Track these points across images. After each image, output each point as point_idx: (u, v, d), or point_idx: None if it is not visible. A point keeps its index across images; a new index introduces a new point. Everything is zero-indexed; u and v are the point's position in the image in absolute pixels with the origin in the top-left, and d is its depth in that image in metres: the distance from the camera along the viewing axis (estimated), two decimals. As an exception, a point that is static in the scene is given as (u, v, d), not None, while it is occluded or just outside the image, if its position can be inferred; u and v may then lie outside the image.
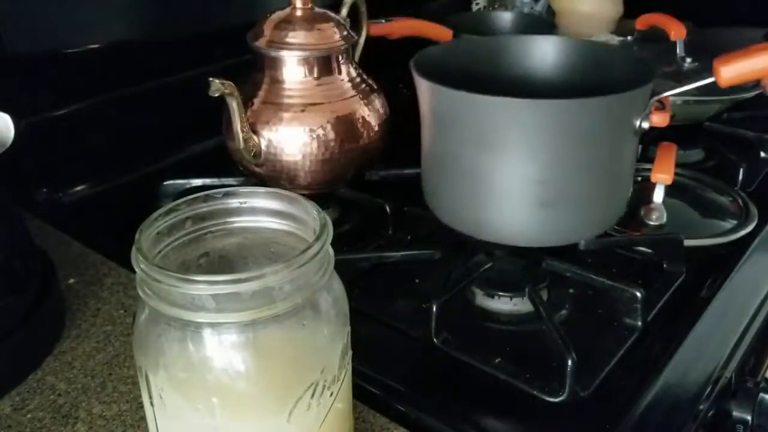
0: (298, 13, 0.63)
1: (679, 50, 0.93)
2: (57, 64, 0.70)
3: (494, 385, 0.48)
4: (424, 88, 0.51)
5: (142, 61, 0.77)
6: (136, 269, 0.30)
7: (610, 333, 0.53)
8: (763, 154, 0.82)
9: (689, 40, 0.94)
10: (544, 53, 0.59)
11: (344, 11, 0.70)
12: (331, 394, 0.33)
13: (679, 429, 0.48)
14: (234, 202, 0.35)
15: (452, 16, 1.01)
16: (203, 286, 0.28)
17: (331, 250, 0.32)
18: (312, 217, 0.32)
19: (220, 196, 0.34)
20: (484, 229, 0.52)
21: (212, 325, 0.29)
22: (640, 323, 0.54)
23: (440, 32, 0.94)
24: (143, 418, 0.44)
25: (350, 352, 0.35)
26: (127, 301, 0.55)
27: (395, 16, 0.89)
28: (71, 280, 0.57)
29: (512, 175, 0.49)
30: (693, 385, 0.51)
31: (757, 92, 0.84)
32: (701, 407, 0.51)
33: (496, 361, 0.50)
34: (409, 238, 0.63)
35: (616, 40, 1.13)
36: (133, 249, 0.30)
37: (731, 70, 0.51)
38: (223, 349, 0.29)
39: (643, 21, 1.00)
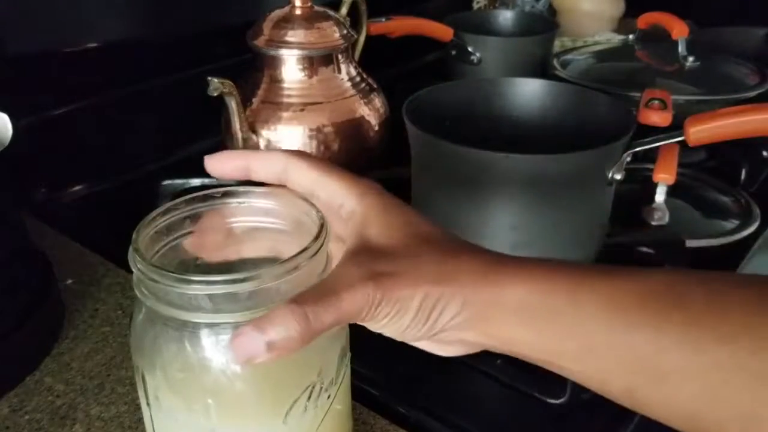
0: (298, 11, 0.62)
1: (681, 49, 0.92)
2: (57, 64, 0.70)
3: (495, 387, 0.48)
4: (408, 129, 0.53)
5: (142, 61, 0.76)
6: (133, 269, 0.30)
7: (612, 334, 0.53)
8: (765, 154, 0.82)
9: (691, 38, 0.93)
10: (534, 94, 0.62)
11: (344, 10, 0.70)
12: (329, 397, 0.32)
13: (681, 430, 0.48)
14: (233, 202, 0.34)
15: (452, 14, 1.01)
16: (200, 286, 0.28)
17: (330, 251, 0.32)
18: (311, 218, 0.32)
19: (219, 196, 0.34)
20: None
21: (209, 325, 0.29)
22: (641, 324, 0.53)
23: (440, 31, 0.94)
24: (141, 420, 0.43)
25: (349, 354, 0.35)
26: (125, 302, 0.54)
27: (395, 14, 0.88)
28: (69, 281, 0.56)
29: (485, 219, 0.50)
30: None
31: (759, 91, 0.83)
32: None
33: (497, 362, 0.49)
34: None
35: (617, 38, 1.12)
36: (131, 249, 0.30)
37: (699, 131, 0.54)
38: (219, 349, 0.29)
39: (645, 19, 1.00)
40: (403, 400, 0.46)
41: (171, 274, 0.28)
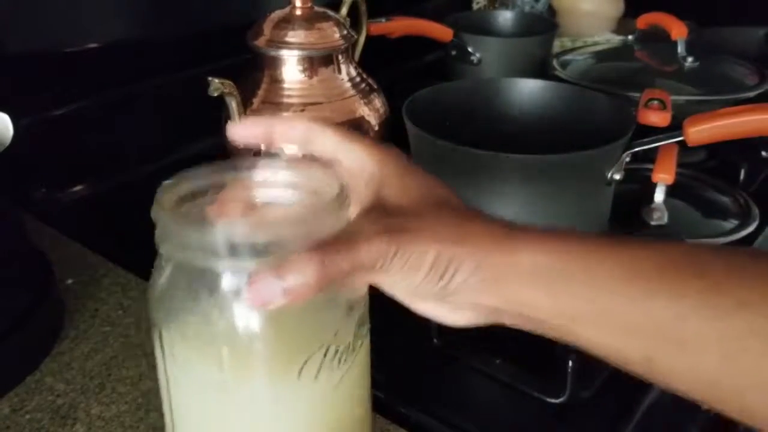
0: (298, 12, 0.62)
1: (680, 49, 0.92)
2: (57, 64, 0.70)
3: (495, 387, 0.48)
4: (408, 129, 0.53)
5: (142, 61, 0.76)
6: (156, 220, 0.30)
7: (612, 333, 0.53)
8: (764, 154, 0.82)
9: (690, 39, 0.94)
10: (534, 95, 0.62)
11: (344, 10, 0.70)
12: (345, 360, 0.32)
13: (681, 430, 0.48)
14: (260, 175, 0.34)
15: (452, 14, 1.01)
16: (219, 233, 0.28)
17: (350, 215, 0.32)
18: (333, 189, 0.32)
19: (243, 167, 0.34)
20: None
21: (226, 273, 0.29)
22: (641, 324, 0.53)
23: (440, 31, 0.94)
24: (142, 419, 0.44)
25: (368, 325, 0.34)
26: (126, 302, 0.54)
27: (395, 15, 0.89)
28: (69, 281, 0.56)
29: None
30: (695, 386, 0.51)
31: (759, 91, 0.83)
32: (703, 408, 0.50)
33: (497, 361, 0.49)
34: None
35: (616, 39, 1.13)
36: (154, 202, 0.30)
37: (698, 131, 0.54)
38: (235, 300, 0.29)
39: (644, 20, 1.00)
40: (403, 400, 0.46)
41: (192, 220, 0.29)
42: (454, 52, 0.95)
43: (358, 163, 0.33)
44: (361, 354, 0.34)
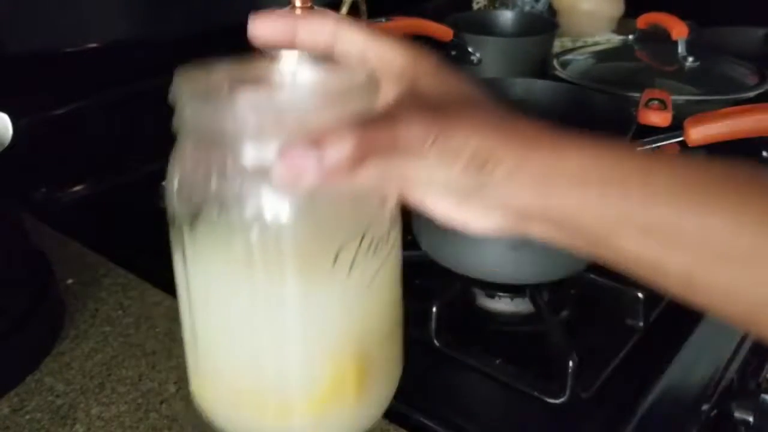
0: (298, 12, 0.62)
1: (681, 49, 0.92)
2: (57, 64, 0.70)
3: (495, 387, 0.48)
4: None
5: (142, 61, 0.76)
6: (178, 100, 0.28)
7: (612, 334, 0.53)
8: (765, 154, 0.82)
9: (691, 39, 0.94)
10: (534, 94, 0.62)
11: (344, 10, 0.70)
12: (380, 251, 0.31)
13: (681, 430, 0.48)
14: (282, 72, 0.32)
15: (452, 14, 1.01)
16: (246, 104, 0.27)
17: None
18: (359, 81, 0.30)
19: (267, 65, 0.32)
20: (463, 265, 0.54)
21: (251, 154, 0.27)
22: (641, 324, 0.53)
23: (440, 31, 0.94)
24: (142, 420, 0.44)
25: (400, 226, 0.33)
26: (126, 302, 0.54)
27: (395, 15, 0.88)
28: (69, 281, 0.56)
29: None
30: (695, 386, 0.51)
31: (759, 91, 0.83)
32: (703, 408, 0.50)
33: (497, 362, 0.49)
34: (409, 237, 0.62)
35: (617, 39, 1.13)
36: (173, 84, 0.29)
37: (698, 131, 0.54)
38: (263, 182, 0.27)
39: (645, 20, 1.00)
40: (403, 401, 0.46)
41: (215, 95, 0.28)
42: (454, 52, 0.95)
43: (389, 58, 0.30)
44: (394, 253, 0.32)
